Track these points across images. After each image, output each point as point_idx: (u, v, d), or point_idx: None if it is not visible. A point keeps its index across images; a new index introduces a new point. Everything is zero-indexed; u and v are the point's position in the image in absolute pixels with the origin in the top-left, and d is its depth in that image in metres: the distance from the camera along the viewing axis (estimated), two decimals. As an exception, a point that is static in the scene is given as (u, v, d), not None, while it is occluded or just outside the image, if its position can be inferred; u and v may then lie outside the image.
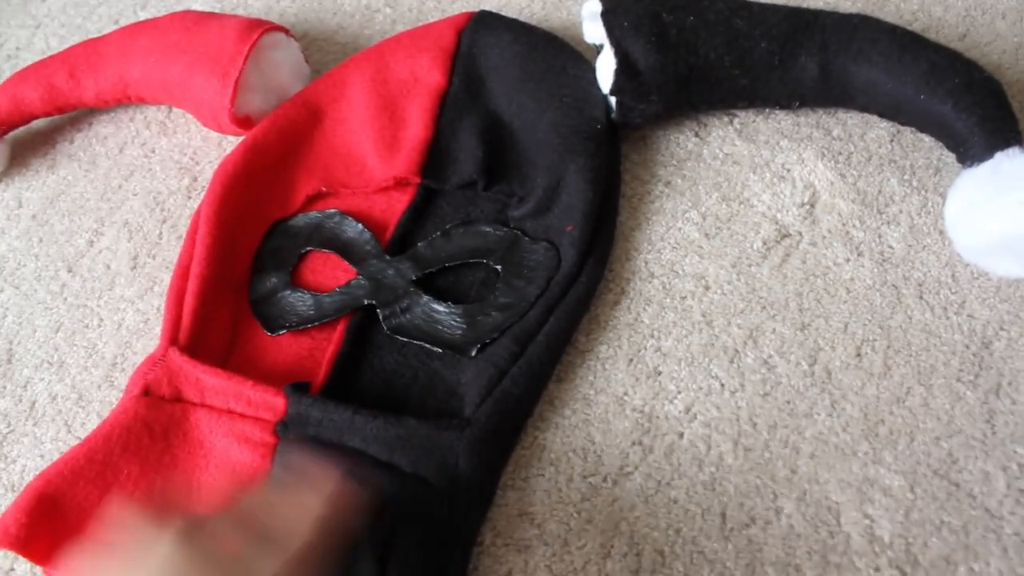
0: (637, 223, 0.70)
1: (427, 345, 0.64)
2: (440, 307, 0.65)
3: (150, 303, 0.71)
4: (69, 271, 0.74)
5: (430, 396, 0.63)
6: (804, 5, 0.80)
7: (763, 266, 0.67)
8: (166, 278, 0.72)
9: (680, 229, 0.69)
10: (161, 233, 0.75)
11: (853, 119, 0.73)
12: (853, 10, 0.80)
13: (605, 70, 0.70)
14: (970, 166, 0.65)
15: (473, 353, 0.63)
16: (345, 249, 0.70)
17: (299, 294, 0.68)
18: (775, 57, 0.69)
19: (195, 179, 0.78)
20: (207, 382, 0.62)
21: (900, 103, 0.68)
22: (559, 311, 0.64)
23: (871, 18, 0.71)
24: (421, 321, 0.65)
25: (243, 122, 0.76)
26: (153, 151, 0.81)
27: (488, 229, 0.69)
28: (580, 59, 0.76)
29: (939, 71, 0.67)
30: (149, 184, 0.79)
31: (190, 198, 0.77)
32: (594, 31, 0.71)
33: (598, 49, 0.73)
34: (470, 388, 0.61)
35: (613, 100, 0.70)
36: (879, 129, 0.72)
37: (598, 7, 0.71)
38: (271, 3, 0.91)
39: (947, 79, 0.66)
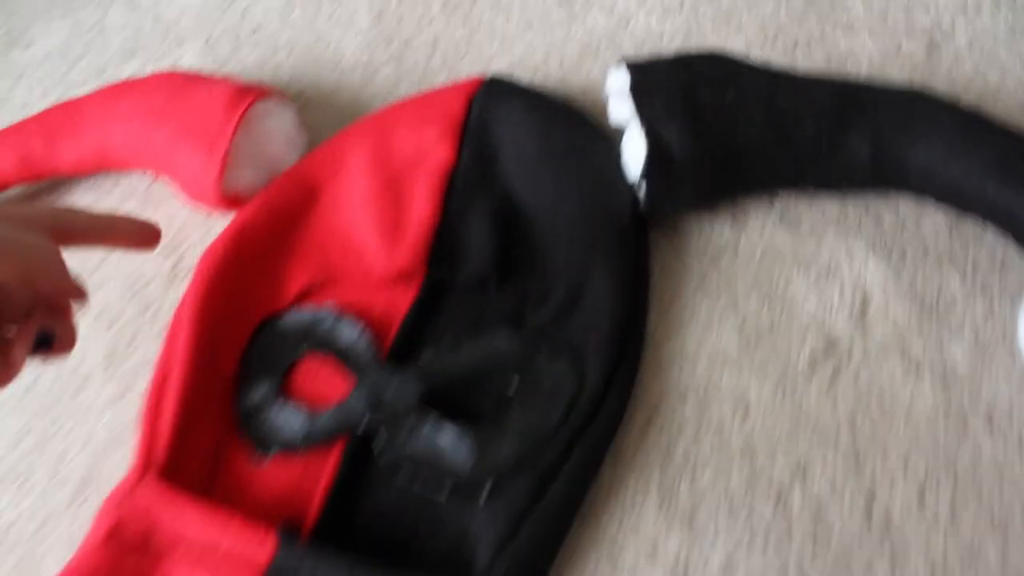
0: (668, 330, 0.62)
1: (432, 482, 0.57)
2: (447, 431, 0.58)
3: (126, 410, 0.64)
4: (35, 369, 0.67)
5: (438, 539, 0.56)
6: (849, 72, 0.73)
7: (811, 385, 0.59)
8: (144, 379, 0.65)
9: (717, 338, 0.62)
10: (140, 325, 0.68)
11: (905, 204, 0.66)
12: (901, 76, 0.72)
13: (633, 153, 0.63)
14: (1048, 275, 0.57)
15: (485, 494, 0.56)
16: (342, 355, 0.63)
17: (291, 409, 0.61)
18: (823, 138, 0.62)
19: (180, 260, 0.71)
20: (187, 517, 0.55)
21: (962, 191, 0.61)
22: (583, 442, 0.57)
23: (927, 94, 0.63)
24: (425, 449, 0.58)
25: (232, 200, 0.69)
26: (134, 224, 0.73)
27: (502, 336, 0.61)
28: (602, 136, 0.68)
29: (1009, 157, 0.59)
30: (129, 266, 0.71)
31: (173, 282, 0.70)
32: (620, 109, 0.64)
33: (623, 128, 0.66)
34: (484, 533, 0.54)
35: (642, 188, 0.63)
36: (936, 217, 0.65)
37: (626, 82, 0.63)
38: (265, 56, 0.83)
39: (1018, 167, 0.59)
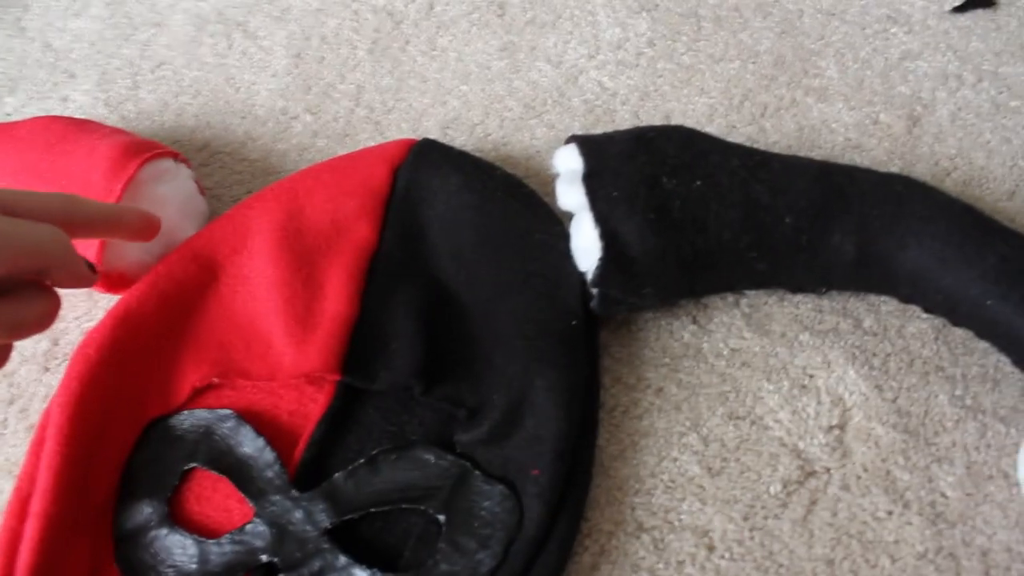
0: (621, 450, 0.54)
1: (343, 641, 0.48)
2: (362, 575, 0.49)
3: (-20, 531, 0.53)
4: None
5: None
6: (823, 144, 0.65)
7: (783, 519, 0.52)
8: (5, 489, 0.55)
9: (676, 460, 0.54)
10: (6, 419, 0.58)
11: (888, 304, 0.59)
12: (879, 151, 0.65)
13: (584, 245, 0.54)
14: (1053, 404, 0.50)
15: (405, 654, 0.47)
16: (240, 472, 0.53)
17: (178, 537, 0.52)
18: (803, 236, 0.54)
19: (56, 343, 0.61)
20: None
21: (957, 304, 0.54)
22: (521, 594, 0.48)
23: (917, 184, 0.56)
24: (336, 596, 0.49)
25: (115, 281, 0.59)
26: (3, 295, 0.62)
27: (428, 457, 0.53)
28: (550, 218, 0.60)
29: (1012, 268, 0.52)
30: (-7, 349, 0.61)
31: (48, 370, 0.60)
32: (571, 196, 0.55)
33: (571, 215, 0.57)
34: None
35: (594, 287, 0.54)
36: (920, 322, 0.58)
37: (578, 165, 0.55)
38: (167, 99, 0.73)
39: (1022, 280, 0.52)
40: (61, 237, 0.43)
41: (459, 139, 0.68)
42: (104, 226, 0.49)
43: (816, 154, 0.64)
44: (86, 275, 0.46)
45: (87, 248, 0.57)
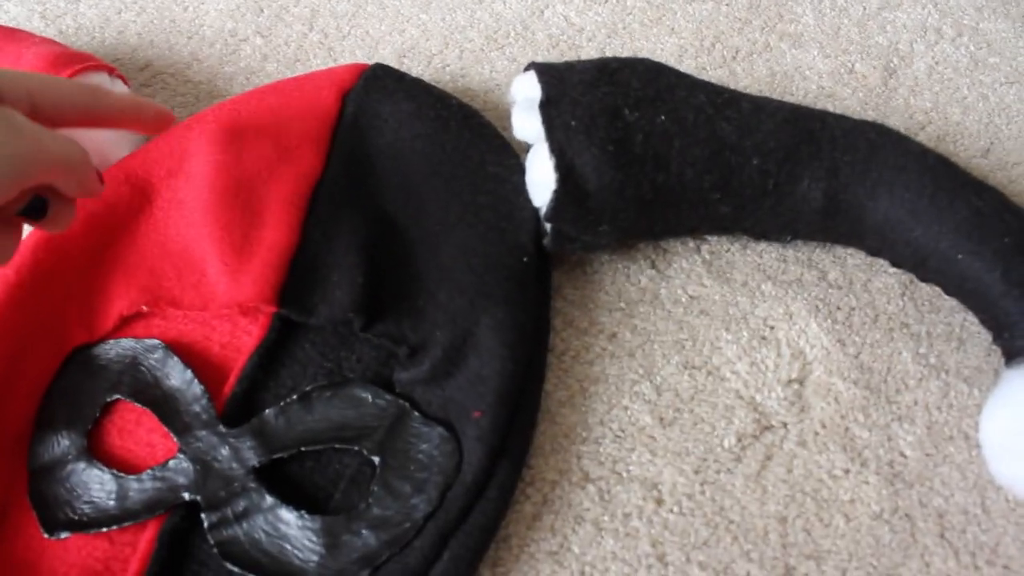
0: (569, 396, 0.51)
1: (266, 580, 0.45)
2: (290, 516, 0.46)
3: None
4: None
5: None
6: (795, 92, 0.63)
7: (736, 473, 0.49)
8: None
9: (627, 409, 0.51)
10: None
11: (854, 257, 0.56)
12: (852, 101, 0.63)
13: (539, 177, 0.51)
14: (1020, 363, 0.48)
15: (331, 601, 0.44)
16: (166, 405, 0.50)
17: (97, 471, 0.49)
18: (769, 180, 0.51)
19: (-26, 264, 0.56)
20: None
21: (926, 257, 0.51)
22: (457, 541, 0.45)
23: (892, 132, 0.54)
24: (262, 536, 0.46)
25: (38, 200, 0.54)
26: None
27: (365, 396, 0.50)
28: (505, 149, 0.57)
29: (985, 223, 0.50)
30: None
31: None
32: (526, 124, 0.52)
33: (528, 148, 0.54)
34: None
35: (548, 225, 0.51)
36: (887, 276, 0.56)
37: (536, 92, 0.51)
38: (108, 15, 0.69)
39: (994, 235, 0.50)
40: (84, 155, 0.43)
41: (416, 69, 0.64)
42: (124, 118, 0.48)
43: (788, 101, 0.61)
44: (97, 188, 0.45)
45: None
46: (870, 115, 0.62)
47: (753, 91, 0.63)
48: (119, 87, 0.59)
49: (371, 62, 0.60)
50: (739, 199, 0.52)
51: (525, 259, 0.51)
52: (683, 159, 0.50)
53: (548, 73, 0.52)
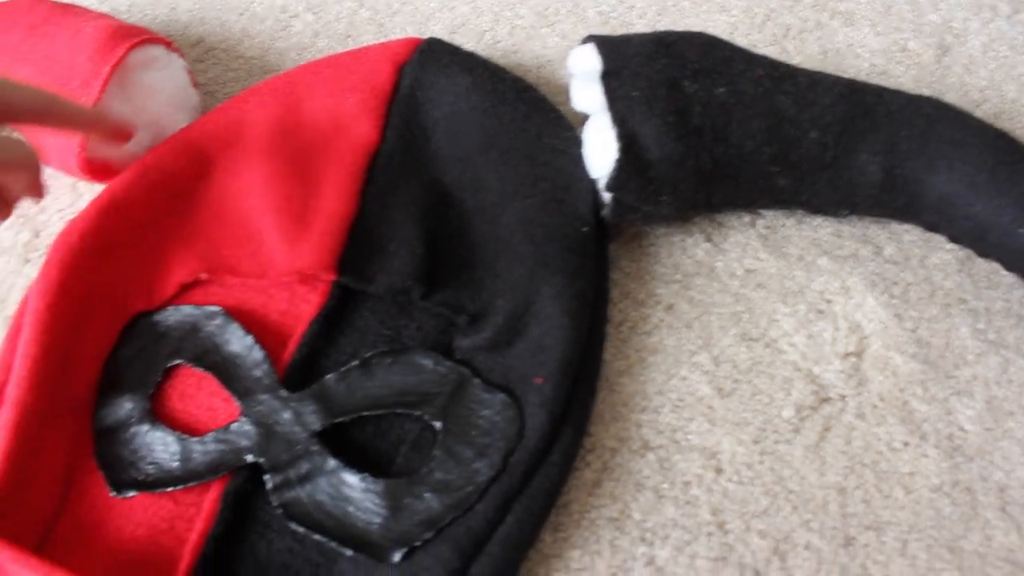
0: (628, 365, 0.52)
1: (332, 543, 0.45)
2: (353, 479, 0.47)
3: (-49, 419, 0.50)
4: None
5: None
6: (847, 70, 0.62)
7: (795, 443, 0.49)
8: (-21, 383, 0.52)
9: (685, 379, 0.51)
10: (-20, 310, 0.55)
11: (911, 233, 0.56)
12: (905, 79, 0.63)
13: (597, 149, 0.52)
14: (1082, 337, 0.48)
15: (396, 559, 0.44)
16: (227, 370, 0.51)
17: (160, 433, 0.49)
18: (827, 153, 0.51)
19: (37, 235, 0.58)
20: (14, 574, 0.42)
21: (986, 231, 0.51)
22: (520, 505, 0.46)
23: (949, 107, 0.54)
24: (325, 498, 0.46)
25: (99, 170, 0.56)
26: (-18, 185, 0.59)
27: (426, 362, 0.50)
28: (560, 123, 0.57)
29: (1046, 197, 0.50)
30: (-30, 236, 0.58)
31: (28, 262, 0.57)
32: (586, 95, 0.52)
33: (585, 119, 0.54)
34: (390, 614, 0.43)
35: (608, 195, 0.51)
36: (943, 252, 0.55)
37: (596, 64, 0.52)
38: (158, -10, 0.69)
39: (1057, 209, 0.49)
40: (35, 159, 0.43)
41: (467, 45, 0.64)
42: (80, 125, 0.47)
43: (842, 76, 0.62)
44: (41, 193, 0.45)
45: (72, 135, 0.54)
46: (924, 93, 0.61)
47: (805, 69, 0.63)
48: (175, 61, 0.59)
49: (425, 37, 0.61)
50: (797, 172, 0.52)
51: (584, 229, 0.52)
52: (742, 131, 0.50)
53: (607, 45, 0.52)
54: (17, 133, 0.56)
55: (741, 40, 0.65)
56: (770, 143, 0.51)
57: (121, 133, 0.50)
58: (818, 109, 0.51)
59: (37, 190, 0.44)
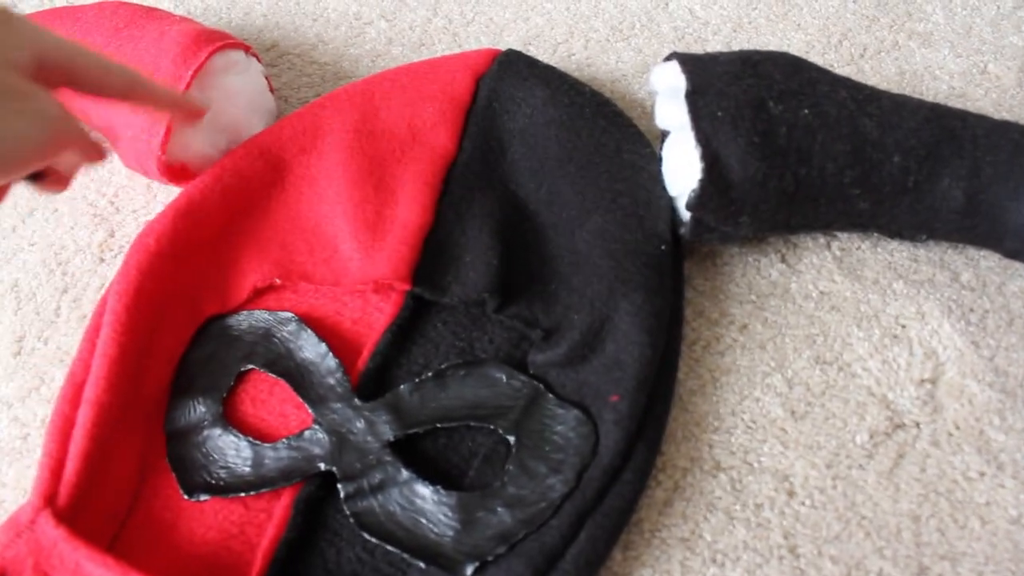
0: (701, 385, 0.51)
1: (404, 554, 0.45)
2: (425, 491, 0.47)
3: (34, 410, 0.52)
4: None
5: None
6: (924, 92, 0.62)
7: (868, 469, 0.49)
8: (57, 375, 0.53)
9: (759, 400, 0.51)
10: (59, 308, 0.56)
11: (988, 259, 0.56)
12: (984, 103, 0.62)
13: (680, 168, 0.51)
14: None
15: (468, 572, 0.44)
16: (300, 377, 0.51)
17: (232, 438, 0.49)
18: (909, 178, 0.51)
19: (112, 234, 0.58)
20: (88, 571, 0.43)
21: (1070, 261, 0.50)
22: (593, 522, 0.46)
23: (1035, 134, 0.53)
24: (398, 509, 0.47)
25: (178, 172, 0.56)
26: (59, 183, 0.60)
27: (499, 376, 0.50)
28: (639, 138, 0.57)
29: None
30: (52, 233, 0.59)
31: (103, 261, 0.57)
32: (670, 112, 0.52)
33: (663, 136, 0.54)
34: (462, 628, 0.43)
35: (687, 214, 0.51)
36: (1022, 280, 0.55)
37: (680, 82, 0.52)
38: (234, -5, 0.70)
39: None
40: (65, 117, 0.41)
41: (541, 57, 0.65)
42: (159, 103, 0.47)
43: (920, 98, 0.61)
44: (94, 150, 0.44)
45: (153, 137, 0.54)
46: (1004, 116, 0.61)
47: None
48: (254, 65, 0.60)
49: (501, 48, 0.61)
50: (878, 195, 0.51)
51: (663, 247, 0.52)
52: (825, 153, 0.50)
53: (691, 63, 0.52)
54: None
55: (816, 59, 0.65)
56: (853, 166, 0.50)
57: (196, 113, 0.51)
58: (902, 133, 0.51)
59: (95, 153, 0.44)
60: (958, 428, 0.50)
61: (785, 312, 0.54)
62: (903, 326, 0.53)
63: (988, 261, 0.55)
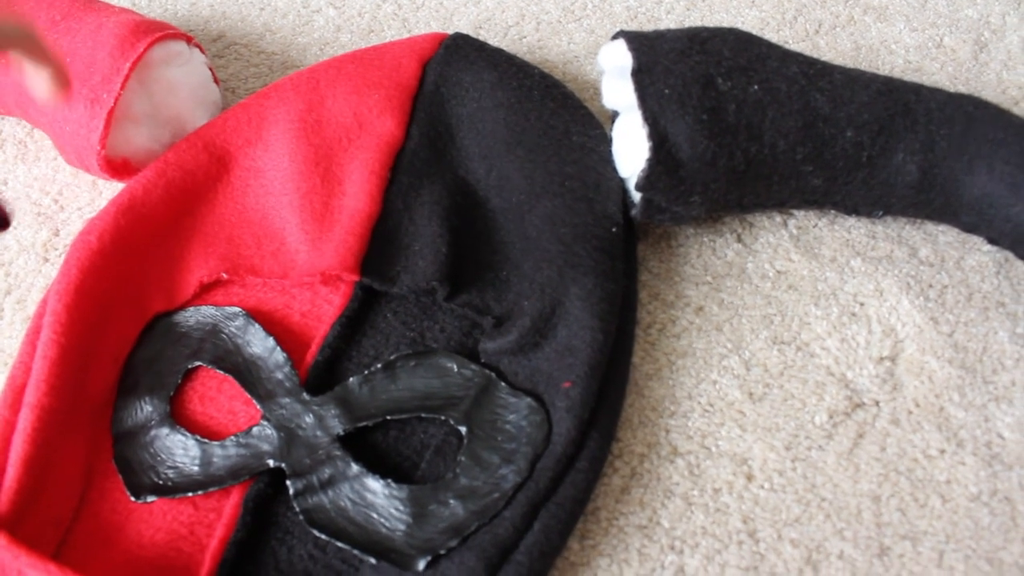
0: (656, 369, 0.50)
1: (355, 551, 0.44)
2: (376, 485, 0.46)
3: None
4: None
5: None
6: (880, 67, 0.61)
7: (827, 450, 0.48)
8: (2, 379, 0.51)
9: (716, 383, 0.50)
10: (3, 309, 0.54)
11: (946, 234, 0.55)
12: (940, 76, 0.61)
13: (628, 149, 0.50)
14: None
15: (421, 567, 0.43)
16: (248, 373, 0.50)
17: (180, 437, 0.48)
18: (863, 152, 0.50)
19: (56, 233, 0.57)
20: (32, 580, 0.42)
21: (1026, 234, 0.50)
22: (547, 512, 0.45)
23: (990, 105, 0.52)
24: (348, 504, 0.45)
25: (120, 168, 0.55)
26: (5, 183, 0.58)
27: (450, 365, 0.49)
28: (589, 120, 0.56)
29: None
30: (-11, 234, 0.57)
31: (47, 261, 0.56)
32: (617, 92, 0.51)
33: (613, 117, 0.53)
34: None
35: (637, 195, 0.50)
36: (981, 254, 0.54)
37: (627, 61, 0.51)
38: (179, -15, 0.68)
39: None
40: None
41: (492, 41, 0.63)
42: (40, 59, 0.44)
43: (875, 73, 0.60)
44: None
45: (92, 133, 0.53)
46: (960, 90, 0.60)
47: (837, 65, 0.61)
48: (196, 56, 0.58)
49: (449, 32, 0.59)
50: (832, 171, 0.50)
51: (614, 229, 0.51)
52: (776, 130, 0.49)
53: (638, 41, 0.51)
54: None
55: (771, 36, 0.64)
56: (804, 142, 0.49)
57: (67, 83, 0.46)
58: (854, 107, 0.50)
59: None
60: (918, 406, 0.49)
61: (741, 292, 0.53)
62: (861, 304, 0.52)
63: (946, 236, 0.55)
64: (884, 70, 0.62)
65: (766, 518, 0.46)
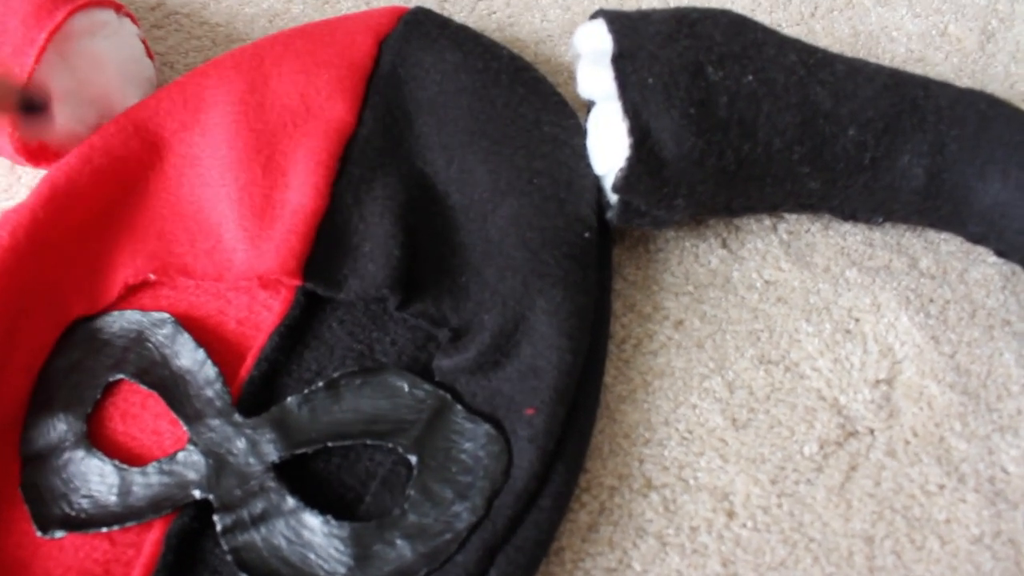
0: (631, 391, 0.46)
1: (286, 593, 0.39)
2: (314, 522, 0.41)
3: None
4: None
5: None
6: (880, 55, 0.56)
7: (817, 484, 0.44)
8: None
9: (695, 407, 0.46)
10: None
11: (949, 243, 0.51)
12: (945, 67, 0.56)
13: (606, 144, 0.46)
14: None
15: (360, 619, 0.39)
16: (175, 389, 0.45)
17: (97, 461, 0.44)
18: (866, 154, 0.45)
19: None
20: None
21: (1040, 249, 0.45)
22: (504, 557, 0.40)
23: (1005, 104, 0.48)
24: (283, 543, 0.41)
25: (36, 152, 0.50)
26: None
27: (401, 384, 0.44)
28: (562, 109, 0.51)
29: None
30: None
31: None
32: (594, 79, 0.46)
33: (589, 106, 0.48)
34: None
35: (614, 196, 0.45)
36: (986, 267, 0.50)
37: (607, 44, 0.45)
38: (113, -54, 0.62)
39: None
40: None
41: (457, 16, 0.59)
42: None
43: (876, 63, 0.56)
44: None
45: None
46: (965, 82, 0.56)
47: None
48: (127, 26, 0.53)
49: (410, 6, 0.54)
50: (831, 174, 0.46)
51: (586, 234, 0.46)
52: (772, 126, 0.44)
53: (620, 22, 0.46)
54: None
55: (763, 18, 0.59)
56: (802, 141, 0.45)
57: None
58: (858, 103, 0.45)
59: None
60: (916, 435, 0.45)
61: (726, 305, 0.48)
62: (856, 319, 0.48)
63: (949, 245, 0.50)
64: (884, 59, 0.57)
65: (748, 561, 0.42)
